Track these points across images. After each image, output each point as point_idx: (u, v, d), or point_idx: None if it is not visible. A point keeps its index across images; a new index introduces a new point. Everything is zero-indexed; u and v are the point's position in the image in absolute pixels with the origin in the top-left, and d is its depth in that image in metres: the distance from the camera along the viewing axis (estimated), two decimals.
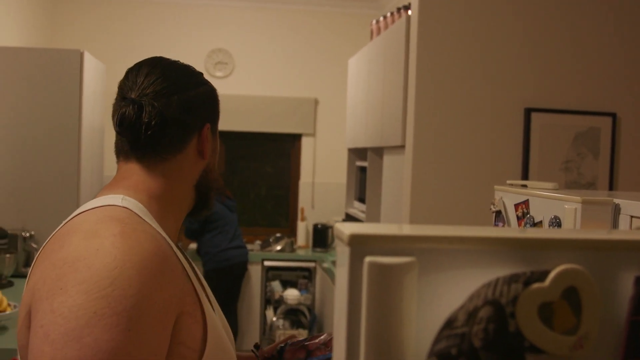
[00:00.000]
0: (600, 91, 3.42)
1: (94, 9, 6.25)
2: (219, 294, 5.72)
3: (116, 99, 1.34)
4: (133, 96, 1.29)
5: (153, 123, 1.27)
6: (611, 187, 3.44)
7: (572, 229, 1.52)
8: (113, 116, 1.32)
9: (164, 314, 1.10)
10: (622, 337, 0.67)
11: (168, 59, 1.38)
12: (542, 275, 0.65)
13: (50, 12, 6.08)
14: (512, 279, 0.65)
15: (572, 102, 3.40)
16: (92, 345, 1.00)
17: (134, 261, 1.08)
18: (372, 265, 0.62)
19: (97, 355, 1.00)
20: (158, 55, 1.44)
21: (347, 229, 0.64)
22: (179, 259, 1.22)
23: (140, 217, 1.21)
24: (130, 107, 1.27)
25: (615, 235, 0.67)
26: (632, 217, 1.48)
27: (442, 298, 0.64)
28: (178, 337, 1.14)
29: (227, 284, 5.72)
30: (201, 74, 1.41)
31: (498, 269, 0.65)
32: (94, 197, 1.30)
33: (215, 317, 1.27)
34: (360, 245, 0.63)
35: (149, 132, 1.27)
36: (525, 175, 3.39)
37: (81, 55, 4.31)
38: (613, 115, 3.41)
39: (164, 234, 1.23)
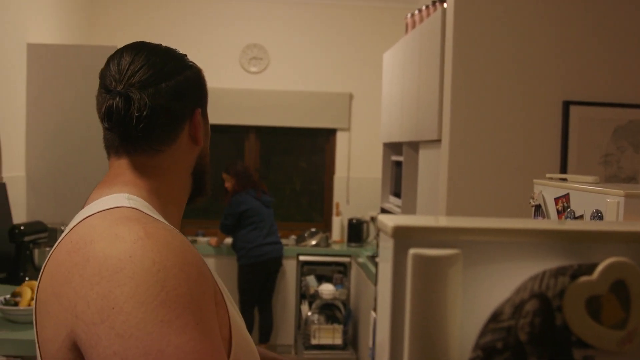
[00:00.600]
0: None
1: (130, 4, 6.31)
2: (253, 289, 5.79)
3: (99, 90, 1.24)
4: (119, 88, 1.20)
5: (143, 115, 1.19)
6: None
7: (619, 221, 1.49)
8: (98, 110, 1.23)
9: (212, 303, 1.09)
10: None
11: (150, 43, 1.29)
12: (590, 269, 0.64)
13: (87, 9, 6.15)
14: (559, 272, 0.64)
15: (611, 95, 3.35)
16: (176, 352, 0.98)
17: (172, 259, 1.05)
18: (417, 257, 0.61)
19: (186, 358, 0.98)
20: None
21: (391, 220, 0.64)
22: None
23: (151, 216, 1.16)
24: (117, 99, 1.18)
25: None
26: None
27: (488, 291, 0.63)
28: None
29: (261, 279, 5.74)
30: (185, 56, 1.33)
31: (545, 261, 0.64)
32: (89, 197, 1.24)
33: (232, 305, 1.24)
34: (404, 237, 0.63)
35: (140, 126, 1.19)
36: (563, 169, 3.35)
37: None
38: None
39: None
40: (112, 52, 1.29)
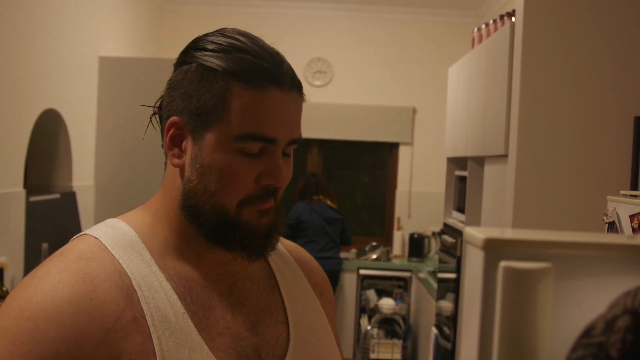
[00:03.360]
0: None
1: (197, 19, 6.43)
2: None
3: None
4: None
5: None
6: None
7: None
8: None
9: None
10: None
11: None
12: None
13: (156, 22, 6.29)
14: None
15: None
16: None
17: (33, 311, 0.93)
18: (508, 270, 0.61)
19: None
20: None
21: (481, 233, 0.64)
22: (150, 304, 1.00)
23: (106, 250, 1.03)
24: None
25: None
26: None
27: (579, 305, 0.63)
28: None
29: None
30: (194, 48, 1.17)
31: (638, 277, 0.63)
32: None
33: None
34: (495, 249, 0.62)
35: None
36: (634, 186, 3.27)
37: None
38: None
39: (148, 267, 1.04)
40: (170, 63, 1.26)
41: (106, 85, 4.62)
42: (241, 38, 1.13)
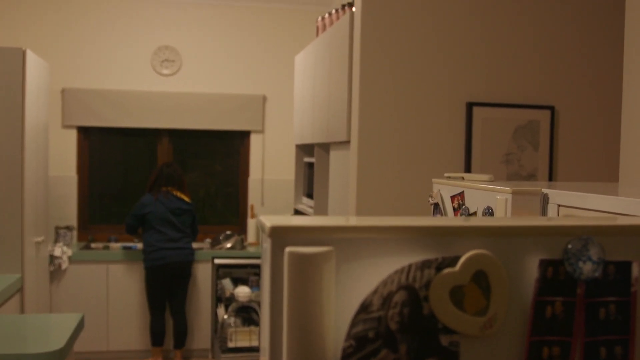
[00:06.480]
0: (539, 85, 3.52)
1: (37, 6, 6.16)
2: (157, 293, 5.78)
3: None
4: None
5: None
6: (551, 177, 3.54)
7: (480, 217, 1.58)
8: None
9: None
10: (528, 316, 0.71)
11: None
12: (453, 261, 0.69)
13: None
14: (424, 265, 0.69)
15: (512, 96, 3.49)
16: None
17: None
18: (292, 255, 0.65)
19: None
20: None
21: (269, 221, 0.68)
22: None
23: None
24: None
25: (519, 222, 0.72)
26: (559, 205, 1.55)
27: (359, 285, 0.68)
28: None
29: (163, 283, 5.69)
30: None
31: (411, 255, 0.69)
32: None
33: None
34: (280, 236, 0.67)
35: None
36: (467, 168, 3.47)
37: (23, 53, 4.25)
38: (551, 109, 3.51)
39: None
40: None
41: None
42: None
